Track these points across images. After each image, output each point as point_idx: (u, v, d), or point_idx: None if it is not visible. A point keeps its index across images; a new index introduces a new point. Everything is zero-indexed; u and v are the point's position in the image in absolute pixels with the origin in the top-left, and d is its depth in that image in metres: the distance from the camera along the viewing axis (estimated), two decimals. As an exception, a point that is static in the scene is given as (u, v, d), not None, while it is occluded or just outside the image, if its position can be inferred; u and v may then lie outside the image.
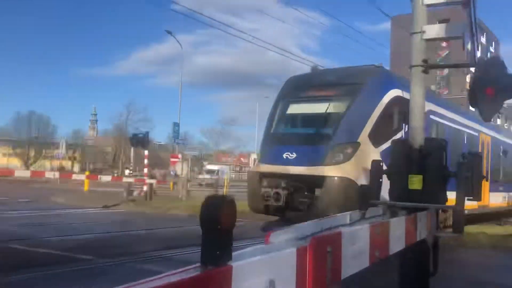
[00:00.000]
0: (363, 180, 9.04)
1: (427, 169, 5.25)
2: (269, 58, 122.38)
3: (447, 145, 5.42)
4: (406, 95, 7.24)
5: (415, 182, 5.25)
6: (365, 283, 5.56)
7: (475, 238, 12.43)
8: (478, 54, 5.33)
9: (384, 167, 5.27)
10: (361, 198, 4.42)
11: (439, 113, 13.46)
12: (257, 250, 1.99)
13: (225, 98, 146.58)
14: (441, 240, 5.39)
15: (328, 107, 11.27)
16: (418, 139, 5.37)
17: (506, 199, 19.25)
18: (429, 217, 4.87)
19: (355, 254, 2.55)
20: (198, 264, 1.56)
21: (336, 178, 10.01)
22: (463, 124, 15.50)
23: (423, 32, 5.12)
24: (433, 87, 38.00)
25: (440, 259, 5.36)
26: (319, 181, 10.01)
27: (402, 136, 10.69)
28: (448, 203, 5.10)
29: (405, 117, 9.15)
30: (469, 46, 5.23)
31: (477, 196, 5.16)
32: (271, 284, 1.74)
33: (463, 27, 4.88)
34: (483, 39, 65.03)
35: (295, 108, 12.17)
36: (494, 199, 17.56)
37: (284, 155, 10.91)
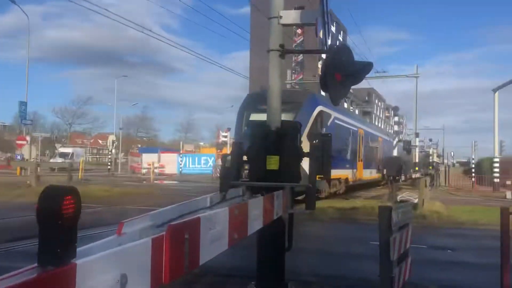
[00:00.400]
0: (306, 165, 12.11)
1: (283, 150, 5.47)
2: (129, 35, 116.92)
3: (301, 127, 5.77)
4: (325, 109, 13.89)
5: (273, 163, 5.45)
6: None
7: (326, 212, 13.61)
8: (329, 42, 5.65)
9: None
10: (222, 180, 4.39)
11: (339, 118, 20.84)
12: (108, 243, 1.82)
13: (79, 75, 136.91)
14: (296, 215, 5.61)
15: (282, 117, 15.22)
16: (275, 121, 5.54)
17: (371, 173, 27.31)
18: (285, 196, 5.04)
19: (214, 238, 2.52)
20: (35, 265, 1.35)
21: None
22: (351, 124, 23.29)
23: (280, 17, 5.26)
24: (289, 72, 40.15)
25: (294, 234, 5.66)
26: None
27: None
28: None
29: (324, 122, 17.34)
30: (321, 34, 5.50)
31: (327, 174, 5.51)
32: (122, 278, 1.60)
33: (316, 14, 5.10)
34: (333, 29, 70.28)
35: (256, 117, 16.11)
36: (365, 174, 25.11)
37: None
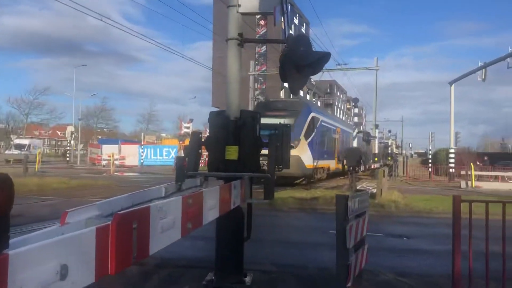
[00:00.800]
0: (304, 156, 21.76)
1: (242, 140, 5.47)
2: (89, 24, 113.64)
3: (260, 117, 5.77)
4: (316, 115, 23.19)
5: (232, 153, 5.43)
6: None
7: (286, 202, 13.76)
8: (291, 32, 5.65)
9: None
10: (178, 169, 4.33)
11: (324, 120, 26.31)
12: (49, 233, 1.74)
13: (36, 65, 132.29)
14: (255, 205, 5.62)
15: (284, 121, 21.37)
16: (234, 111, 5.48)
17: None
18: (244, 185, 4.99)
19: (166, 227, 2.46)
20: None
21: (292, 155, 18.16)
22: (332, 124, 28.74)
23: (239, 5, 5.22)
24: (252, 62, 40.12)
25: (254, 224, 5.70)
26: None
27: (313, 135, 23.21)
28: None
29: (315, 125, 23.16)
30: (282, 25, 5.49)
31: (286, 164, 5.50)
32: (63, 269, 1.53)
33: (274, 3, 5.07)
34: (296, 21, 70.48)
35: (265, 120, 23.15)
36: (340, 165, 28.42)
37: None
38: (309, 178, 22.92)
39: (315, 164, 22.94)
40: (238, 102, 5.59)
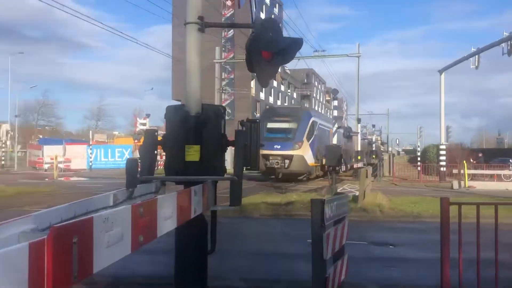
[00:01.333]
0: (307, 156, 30.60)
1: (205, 138, 5.43)
2: (27, 5, 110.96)
3: (225, 112, 5.77)
4: (315, 119, 32.65)
5: (192, 153, 5.40)
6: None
7: (257, 208, 13.82)
8: (262, 16, 5.64)
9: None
10: (128, 174, 4.37)
11: (321, 123, 33.45)
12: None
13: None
14: (222, 213, 5.64)
15: (289, 125, 31.03)
16: (195, 105, 5.47)
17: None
18: (206, 190, 4.98)
19: (113, 241, 2.46)
20: None
21: (297, 155, 28.53)
22: (327, 126, 35.63)
23: (199, -16, 5.18)
24: (218, 49, 40.07)
25: (220, 234, 5.73)
26: (290, 156, 28.98)
27: (313, 137, 31.17)
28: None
29: (314, 128, 31.62)
30: (254, 7, 5.52)
31: (255, 165, 5.66)
32: (-13, 293, 1.51)
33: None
34: (268, 1, 70.66)
35: (272, 124, 31.04)
36: None
37: (274, 146, 29.08)
38: (310, 175, 30.22)
39: (315, 162, 29.90)
40: (200, 94, 5.58)
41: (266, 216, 13.39)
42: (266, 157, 28.86)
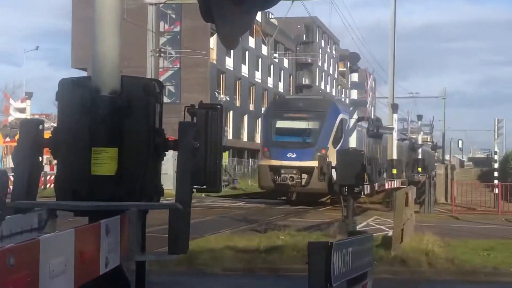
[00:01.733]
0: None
1: (126, 137, 4.40)
2: None
3: (162, 90, 4.70)
4: (346, 116, 25.00)
5: (104, 162, 4.32)
6: None
7: (218, 257, 11.65)
8: None
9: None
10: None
11: (350, 120, 27.52)
12: None
13: None
14: (157, 266, 4.67)
15: (308, 125, 28.98)
16: (109, 78, 4.33)
17: None
18: (127, 227, 4.07)
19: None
20: None
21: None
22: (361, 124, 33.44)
23: None
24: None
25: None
26: (310, 169, 26.08)
27: (342, 141, 27.98)
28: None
29: (344, 129, 28.17)
30: None
31: (214, 184, 4.50)
32: None
33: None
34: None
35: (283, 123, 29.98)
36: None
37: (288, 155, 27.73)
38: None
39: None
40: (118, 59, 4.53)
41: (234, 272, 11.71)
42: (275, 170, 27.43)
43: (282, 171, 26.62)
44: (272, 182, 25.73)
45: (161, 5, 35.26)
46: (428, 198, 26.53)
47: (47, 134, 4.66)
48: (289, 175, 26.21)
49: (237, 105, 70.64)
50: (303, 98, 37.97)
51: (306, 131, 27.75)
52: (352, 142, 27.03)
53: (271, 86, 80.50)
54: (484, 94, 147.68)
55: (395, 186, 28.29)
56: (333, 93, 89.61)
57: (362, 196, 24.98)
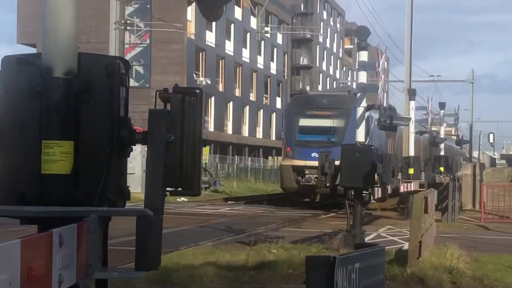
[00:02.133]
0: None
1: (84, 128, 4.24)
2: None
3: (128, 71, 4.52)
4: (373, 114, 30.34)
5: (57, 158, 4.13)
6: None
7: (196, 276, 11.46)
8: None
9: None
10: None
11: (376, 117, 33.66)
12: None
13: None
14: (123, 286, 5.29)
15: (333, 123, 33.22)
16: (64, 56, 4.07)
17: None
18: (85, 237, 3.90)
19: None
20: None
21: None
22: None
23: None
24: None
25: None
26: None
27: (369, 140, 28.77)
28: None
29: (371, 125, 31.11)
30: None
31: (191, 185, 4.38)
32: None
33: None
34: None
35: (307, 121, 34.70)
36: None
37: (312, 154, 28.89)
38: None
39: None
40: (75, 34, 4.36)
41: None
42: (299, 170, 29.66)
43: (306, 172, 29.30)
44: (295, 183, 28.45)
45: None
46: (452, 204, 26.00)
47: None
48: (314, 176, 27.90)
49: (220, 89, 69.82)
50: (326, 94, 43.26)
51: (331, 129, 30.63)
52: (360, 136, 25.11)
53: (262, 67, 79.31)
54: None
55: (412, 189, 28.15)
56: (337, 76, 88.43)
57: (372, 201, 25.56)
